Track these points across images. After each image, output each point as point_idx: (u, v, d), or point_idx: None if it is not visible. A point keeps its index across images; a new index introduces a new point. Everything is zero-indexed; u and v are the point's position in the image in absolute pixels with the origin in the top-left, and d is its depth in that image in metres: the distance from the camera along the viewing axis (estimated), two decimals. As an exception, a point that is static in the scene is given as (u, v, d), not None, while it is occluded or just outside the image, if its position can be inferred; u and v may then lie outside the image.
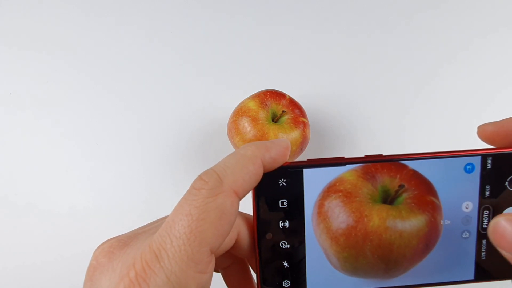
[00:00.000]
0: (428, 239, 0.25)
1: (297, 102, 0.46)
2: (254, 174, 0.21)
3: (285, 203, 0.23)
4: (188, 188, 0.21)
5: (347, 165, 0.23)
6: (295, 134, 0.43)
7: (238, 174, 0.20)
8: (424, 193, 0.25)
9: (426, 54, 0.57)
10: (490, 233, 0.21)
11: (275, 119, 0.45)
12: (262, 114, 0.43)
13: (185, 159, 0.50)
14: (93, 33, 0.58)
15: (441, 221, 0.24)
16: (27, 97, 0.53)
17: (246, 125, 0.43)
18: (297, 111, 0.45)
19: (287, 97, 0.46)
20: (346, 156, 0.23)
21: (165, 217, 0.24)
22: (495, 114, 0.52)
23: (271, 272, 0.23)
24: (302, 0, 0.60)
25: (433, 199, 0.26)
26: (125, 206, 0.47)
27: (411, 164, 0.23)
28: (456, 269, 0.24)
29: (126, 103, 0.53)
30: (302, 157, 0.48)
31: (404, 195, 0.26)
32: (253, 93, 0.46)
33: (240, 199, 0.21)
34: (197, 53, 0.57)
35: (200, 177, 0.20)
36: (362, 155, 0.23)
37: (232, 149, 0.48)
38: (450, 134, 0.51)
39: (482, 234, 0.24)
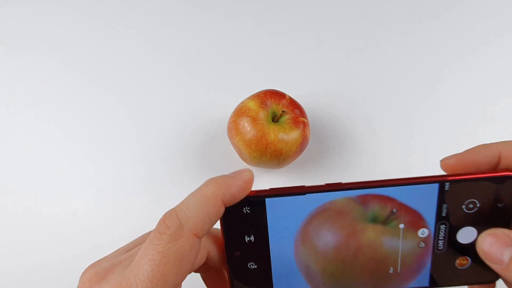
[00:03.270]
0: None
1: (297, 102, 0.46)
2: (214, 214, 0.23)
3: (250, 227, 0.25)
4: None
5: (306, 194, 0.24)
6: (295, 134, 0.43)
7: (197, 216, 0.22)
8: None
9: (428, 54, 0.57)
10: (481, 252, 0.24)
11: (275, 119, 0.45)
12: (262, 114, 0.43)
13: (185, 159, 0.50)
14: (92, 33, 0.58)
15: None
16: (27, 97, 0.53)
17: (246, 125, 0.43)
18: (297, 111, 0.45)
19: (287, 97, 0.46)
20: (306, 185, 0.25)
21: (140, 240, 0.27)
22: (500, 116, 0.52)
23: (240, 282, 0.26)
24: (302, 0, 0.60)
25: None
26: (125, 206, 0.47)
27: (370, 190, 0.25)
28: (414, 277, 0.27)
29: (126, 103, 0.53)
30: (302, 157, 0.48)
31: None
32: (253, 93, 0.46)
33: (201, 238, 0.23)
34: (196, 53, 0.57)
35: (163, 221, 0.22)
36: (323, 183, 0.25)
37: (232, 149, 0.48)
38: (452, 135, 0.51)
39: (438, 248, 0.26)
